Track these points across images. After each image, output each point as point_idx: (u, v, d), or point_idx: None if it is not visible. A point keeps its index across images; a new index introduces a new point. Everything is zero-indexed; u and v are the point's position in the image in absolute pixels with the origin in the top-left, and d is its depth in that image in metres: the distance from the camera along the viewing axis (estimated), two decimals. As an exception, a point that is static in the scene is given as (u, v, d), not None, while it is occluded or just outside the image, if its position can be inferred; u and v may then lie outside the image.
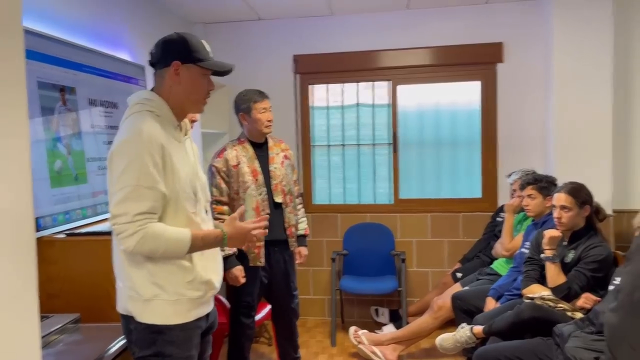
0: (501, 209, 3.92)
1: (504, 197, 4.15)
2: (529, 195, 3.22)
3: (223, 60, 1.83)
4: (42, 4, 2.58)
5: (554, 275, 2.73)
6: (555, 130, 3.90)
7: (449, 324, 3.47)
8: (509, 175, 3.80)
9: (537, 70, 4.13)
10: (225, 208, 2.91)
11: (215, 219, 2.57)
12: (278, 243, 3.02)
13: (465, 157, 4.42)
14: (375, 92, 4.49)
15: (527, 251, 3.05)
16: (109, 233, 1.70)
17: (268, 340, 3.98)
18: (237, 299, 3.01)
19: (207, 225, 1.86)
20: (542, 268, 2.86)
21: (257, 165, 2.98)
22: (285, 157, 3.12)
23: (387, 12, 4.28)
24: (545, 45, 4.04)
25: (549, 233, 2.80)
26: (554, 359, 2.38)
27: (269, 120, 2.99)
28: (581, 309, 2.61)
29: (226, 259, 2.72)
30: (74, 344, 2.03)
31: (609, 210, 3.37)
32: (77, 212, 2.63)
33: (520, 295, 2.89)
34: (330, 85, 4.54)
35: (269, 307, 3.34)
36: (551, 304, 2.61)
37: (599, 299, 2.60)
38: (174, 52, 1.75)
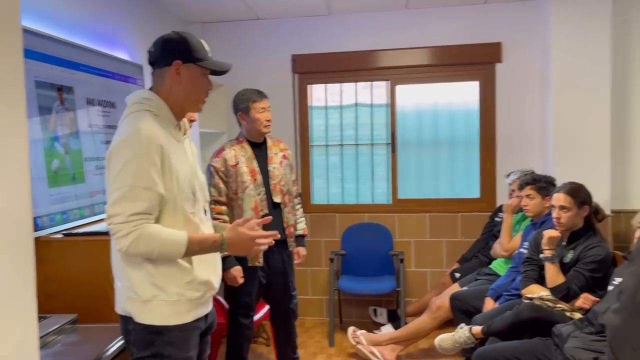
0: (499, 209, 3.92)
1: (502, 197, 4.14)
2: (527, 196, 3.22)
3: (221, 60, 1.83)
4: (40, 3, 2.57)
5: (553, 275, 2.73)
6: (554, 130, 3.90)
7: (448, 324, 3.47)
8: (508, 175, 3.80)
9: (535, 70, 4.13)
10: (224, 208, 2.91)
11: (214, 219, 2.56)
12: (276, 243, 2.96)
13: (463, 157, 4.41)
14: (373, 92, 4.49)
15: (525, 251, 3.05)
16: (106, 233, 1.69)
17: (266, 341, 3.98)
18: (235, 299, 3.00)
19: (206, 225, 1.85)
20: (541, 268, 2.86)
21: (255, 165, 2.97)
22: (284, 157, 3.11)
23: (386, 11, 4.28)
24: (543, 44, 4.04)
25: (548, 233, 2.80)
26: (553, 359, 2.38)
27: (267, 120, 2.98)
28: (580, 309, 2.61)
29: (224, 259, 2.70)
30: (72, 344, 2.02)
31: (607, 211, 3.37)
32: (74, 212, 2.62)
33: (519, 296, 2.89)
34: (329, 85, 4.53)
35: (267, 307, 3.34)
36: (550, 304, 2.61)
37: (597, 299, 2.60)
38: (175, 51, 1.74)
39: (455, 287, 3.62)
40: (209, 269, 1.80)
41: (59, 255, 2.32)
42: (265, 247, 1.81)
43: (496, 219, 3.94)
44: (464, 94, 4.36)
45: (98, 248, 2.27)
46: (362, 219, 4.45)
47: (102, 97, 2.94)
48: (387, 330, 3.93)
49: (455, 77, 4.34)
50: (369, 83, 4.48)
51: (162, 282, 1.68)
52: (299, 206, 3.23)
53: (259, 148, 3.04)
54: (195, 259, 1.74)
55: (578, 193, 2.80)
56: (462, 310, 3.27)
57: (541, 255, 2.82)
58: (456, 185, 4.45)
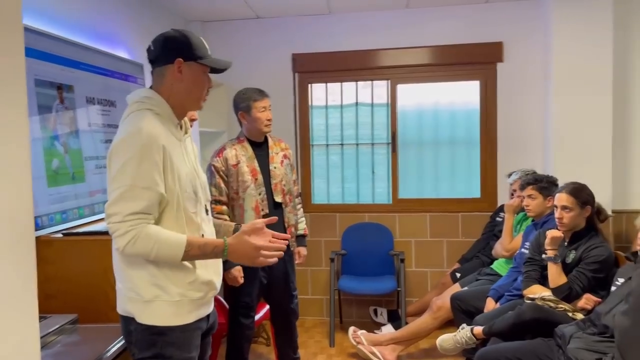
0: (500, 209, 3.91)
1: (503, 197, 4.14)
2: (529, 196, 3.21)
3: (221, 58, 1.82)
4: (40, 1, 2.55)
5: (555, 275, 2.72)
6: (555, 129, 3.89)
7: (448, 324, 3.46)
8: (509, 175, 3.79)
9: (537, 70, 4.12)
10: (225, 208, 2.90)
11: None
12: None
13: (464, 157, 4.40)
14: (374, 91, 4.47)
15: (527, 251, 3.05)
16: (106, 232, 1.68)
17: (266, 340, 3.97)
18: (236, 299, 2.99)
19: (208, 225, 1.84)
20: (543, 268, 2.86)
21: (256, 164, 2.96)
22: (285, 156, 3.10)
23: (387, 10, 4.26)
24: (545, 44, 4.03)
25: (551, 233, 2.79)
26: (555, 360, 2.37)
27: (268, 119, 2.97)
28: (582, 310, 2.60)
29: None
30: (72, 345, 2.01)
31: (608, 210, 3.36)
32: (74, 211, 2.61)
33: (521, 296, 2.88)
34: (329, 85, 4.52)
35: (267, 307, 3.33)
36: (552, 304, 2.60)
37: (599, 299, 2.59)
38: (177, 49, 1.73)
39: (456, 287, 3.62)
40: (211, 269, 1.79)
41: (58, 255, 2.31)
42: (272, 262, 1.71)
43: (497, 218, 3.93)
44: (464, 94, 4.35)
45: (98, 247, 2.27)
46: (363, 218, 4.44)
47: (102, 96, 2.93)
48: (388, 330, 3.92)
49: (456, 76, 4.32)
50: (369, 82, 4.47)
51: (164, 282, 1.67)
52: (299, 206, 3.22)
53: (260, 147, 3.03)
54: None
55: (580, 193, 2.79)
56: (463, 311, 3.26)
57: (544, 256, 2.81)
58: (457, 185, 4.44)
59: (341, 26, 4.33)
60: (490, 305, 3.13)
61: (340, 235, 4.41)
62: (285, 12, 4.27)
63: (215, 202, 2.84)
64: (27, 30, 2.30)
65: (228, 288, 2.97)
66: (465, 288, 3.52)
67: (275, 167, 3.01)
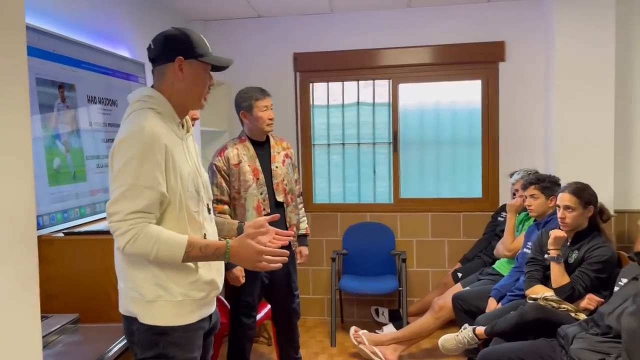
0: (502, 209, 3.90)
1: (504, 197, 4.13)
2: (531, 195, 3.20)
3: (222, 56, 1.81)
4: (42, 0, 2.55)
5: (558, 275, 2.72)
6: (557, 129, 3.88)
7: (450, 324, 3.45)
8: (511, 175, 3.79)
9: (539, 69, 4.11)
10: (226, 207, 2.89)
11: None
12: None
13: (465, 157, 4.39)
14: (375, 90, 4.46)
15: (529, 251, 3.04)
16: (107, 232, 1.67)
17: (267, 340, 3.96)
18: (237, 299, 2.98)
19: (210, 224, 1.83)
20: (545, 268, 2.85)
21: (258, 164, 2.95)
22: (287, 155, 3.09)
23: (388, 10, 4.26)
24: (546, 43, 4.02)
25: (555, 233, 2.78)
26: (558, 361, 2.36)
27: (270, 119, 2.96)
28: (585, 310, 2.60)
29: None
30: (74, 344, 2.01)
31: (610, 211, 3.36)
32: (75, 210, 2.60)
33: (523, 296, 2.87)
34: (331, 84, 4.51)
35: (268, 307, 3.32)
36: (554, 304, 2.60)
37: (602, 300, 2.59)
38: (177, 47, 1.72)
39: (458, 287, 3.61)
40: (213, 269, 1.78)
41: (59, 254, 2.30)
42: (275, 267, 1.70)
43: (499, 218, 3.92)
44: (466, 93, 4.34)
45: (99, 247, 2.26)
46: (364, 218, 4.43)
47: (104, 95, 2.92)
48: (389, 330, 3.92)
49: (458, 75, 4.32)
50: (371, 82, 4.46)
51: (166, 282, 1.66)
52: (301, 205, 3.21)
53: (262, 147, 3.02)
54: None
55: (583, 193, 2.79)
56: (465, 311, 3.25)
57: (547, 255, 2.80)
58: (458, 184, 4.43)
59: (343, 25, 4.33)
60: (492, 305, 3.12)
61: (341, 235, 4.40)
62: (286, 11, 4.26)
63: (217, 201, 2.84)
64: (29, 29, 2.29)
65: (229, 288, 2.96)
66: (467, 288, 3.51)
67: (277, 167, 3.00)
